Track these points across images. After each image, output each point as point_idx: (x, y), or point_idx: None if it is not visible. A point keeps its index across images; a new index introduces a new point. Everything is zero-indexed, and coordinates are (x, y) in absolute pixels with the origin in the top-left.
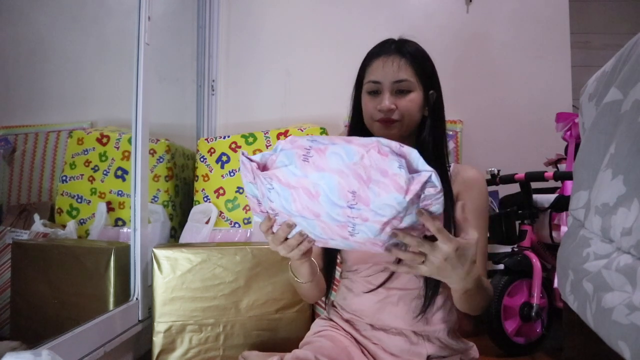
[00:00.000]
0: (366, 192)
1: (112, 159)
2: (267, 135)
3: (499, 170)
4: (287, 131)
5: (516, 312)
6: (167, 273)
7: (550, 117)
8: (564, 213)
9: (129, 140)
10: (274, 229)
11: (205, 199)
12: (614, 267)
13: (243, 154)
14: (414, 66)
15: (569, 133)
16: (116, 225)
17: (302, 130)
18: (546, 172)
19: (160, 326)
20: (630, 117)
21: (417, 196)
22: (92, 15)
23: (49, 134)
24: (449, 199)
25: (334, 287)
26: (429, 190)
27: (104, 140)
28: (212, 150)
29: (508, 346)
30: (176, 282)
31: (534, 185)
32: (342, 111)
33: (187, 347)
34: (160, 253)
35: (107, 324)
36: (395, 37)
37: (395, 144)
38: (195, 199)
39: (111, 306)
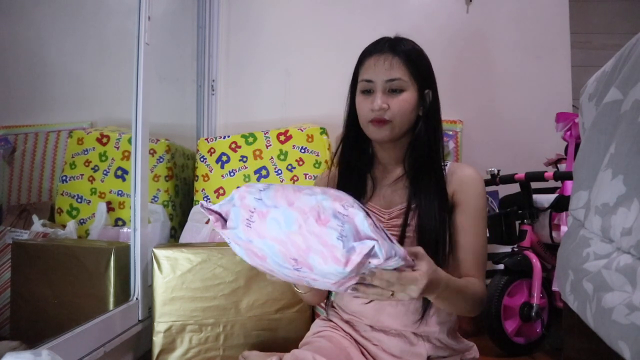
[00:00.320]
0: (307, 260)
1: (112, 159)
2: (267, 135)
3: (499, 170)
4: (287, 131)
5: (516, 312)
6: (167, 273)
7: (550, 117)
8: (564, 213)
9: (129, 140)
10: None
11: (205, 199)
12: (614, 267)
13: (202, 205)
14: (407, 65)
15: (569, 133)
16: (116, 225)
17: (302, 130)
18: (546, 172)
19: (160, 326)
20: (630, 117)
21: (362, 264)
22: (92, 15)
23: (49, 134)
24: (443, 201)
25: None
26: (374, 261)
27: (104, 140)
28: (212, 150)
29: (508, 346)
30: (176, 282)
31: (534, 185)
32: (342, 111)
33: (187, 347)
34: (160, 253)
35: (107, 324)
36: (392, 34)
37: (340, 206)
38: (195, 198)
39: (111, 306)
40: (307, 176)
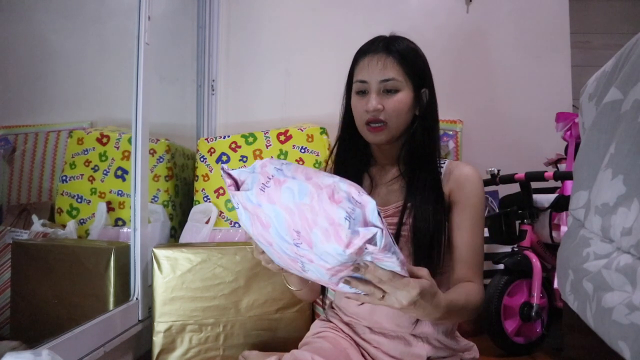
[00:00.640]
0: (309, 235)
1: (112, 158)
2: (267, 135)
3: (499, 170)
4: (287, 131)
5: (516, 312)
6: (167, 273)
7: (550, 117)
8: (564, 213)
9: (129, 140)
10: None
11: (205, 198)
12: (614, 266)
13: (223, 168)
14: (402, 64)
15: (569, 133)
16: (116, 225)
17: (302, 130)
18: (546, 172)
19: (160, 326)
20: (630, 117)
21: (361, 250)
22: (92, 15)
23: (49, 134)
24: (439, 201)
25: None
26: (371, 247)
27: (104, 140)
28: (212, 150)
29: (508, 346)
30: (176, 282)
31: (534, 185)
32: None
33: (187, 347)
34: (160, 253)
35: (107, 324)
36: (388, 33)
37: (355, 191)
38: (195, 198)
39: (111, 306)
40: None
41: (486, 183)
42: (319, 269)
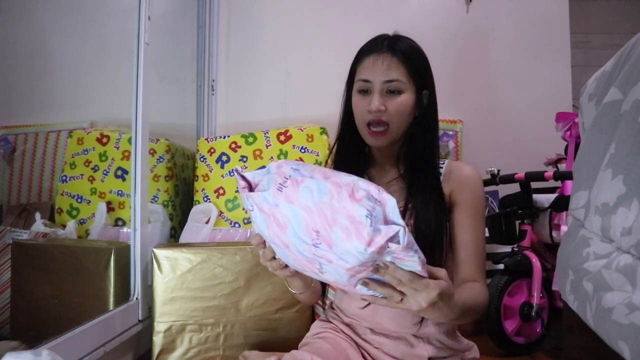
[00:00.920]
0: (329, 234)
1: (112, 158)
2: (267, 135)
3: (499, 170)
4: (287, 131)
5: (516, 312)
6: (167, 273)
7: (550, 117)
8: (564, 213)
9: (129, 140)
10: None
11: (205, 198)
12: (614, 266)
13: (237, 170)
14: (406, 65)
15: (569, 133)
16: (116, 225)
17: (302, 130)
18: (546, 172)
19: (160, 326)
20: (630, 117)
21: (383, 249)
22: (92, 15)
23: (49, 134)
24: (440, 201)
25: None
26: (394, 246)
27: (104, 140)
28: (212, 150)
29: (508, 346)
30: (176, 282)
31: (534, 185)
32: None
33: (187, 347)
34: (160, 253)
35: (107, 324)
36: (391, 32)
37: (375, 189)
38: (195, 198)
39: (111, 306)
40: None
41: (486, 183)
42: (338, 269)
